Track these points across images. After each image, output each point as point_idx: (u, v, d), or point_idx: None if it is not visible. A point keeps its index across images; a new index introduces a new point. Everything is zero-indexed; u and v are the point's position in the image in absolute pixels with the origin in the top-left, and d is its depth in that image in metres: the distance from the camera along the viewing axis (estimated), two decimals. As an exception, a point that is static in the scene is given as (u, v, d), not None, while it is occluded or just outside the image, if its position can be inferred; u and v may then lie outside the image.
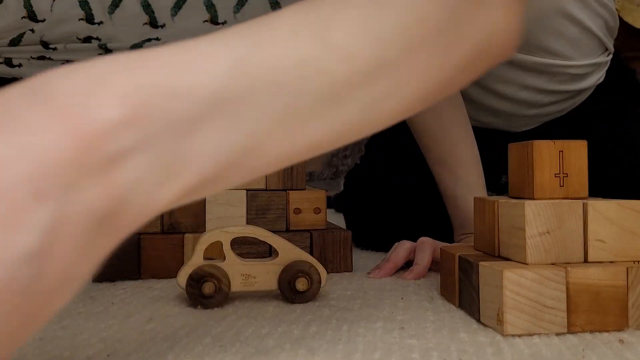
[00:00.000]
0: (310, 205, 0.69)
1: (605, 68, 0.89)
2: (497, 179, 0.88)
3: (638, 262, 0.44)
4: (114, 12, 1.72)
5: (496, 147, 0.72)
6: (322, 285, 0.53)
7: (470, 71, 0.33)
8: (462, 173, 0.70)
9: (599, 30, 0.83)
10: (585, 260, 0.44)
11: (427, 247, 0.66)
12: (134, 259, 0.63)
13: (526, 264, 0.43)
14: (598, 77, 0.88)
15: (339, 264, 0.69)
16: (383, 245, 0.78)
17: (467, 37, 0.31)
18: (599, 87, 0.89)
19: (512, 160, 0.49)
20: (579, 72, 0.84)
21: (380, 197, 0.88)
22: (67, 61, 1.69)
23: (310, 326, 0.45)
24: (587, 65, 0.84)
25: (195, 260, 0.51)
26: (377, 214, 0.87)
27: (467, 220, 0.69)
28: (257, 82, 0.25)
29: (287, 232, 0.68)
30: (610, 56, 0.89)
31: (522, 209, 0.43)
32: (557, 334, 0.42)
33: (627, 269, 0.42)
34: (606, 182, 0.77)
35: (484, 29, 0.32)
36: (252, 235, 0.53)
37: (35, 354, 0.38)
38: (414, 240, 0.69)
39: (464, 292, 0.49)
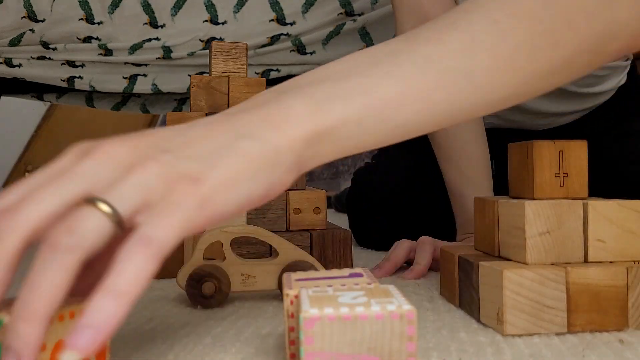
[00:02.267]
0: (310, 205, 0.69)
1: (624, 72, 0.90)
2: None
3: (638, 262, 0.44)
4: (114, 12, 1.72)
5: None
6: (322, 285, 0.53)
7: (598, 53, 0.37)
8: (471, 172, 0.70)
9: None
10: (585, 260, 0.44)
11: (427, 247, 0.66)
12: (134, 259, 0.63)
13: (526, 264, 0.43)
14: (617, 80, 0.89)
15: (339, 264, 0.69)
16: (386, 243, 0.78)
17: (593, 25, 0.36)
18: (620, 92, 0.90)
19: (512, 160, 0.48)
20: (600, 74, 0.86)
21: (389, 196, 0.88)
22: (67, 61, 1.69)
23: (310, 326, 0.45)
24: (605, 68, 0.86)
25: (195, 261, 0.51)
26: (383, 213, 0.88)
27: (472, 219, 0.69)
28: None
29: (287, 232, 0.68)
30: (629, 61, 0.91)
31: (522, 208, 0.43)
32: (557, 334, 0.42)
33: (627, 269, 0.42)
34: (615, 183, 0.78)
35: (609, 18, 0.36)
36: (252, 235, 0.53)
37: (35, 354, 0.38)
38: (414, 239, 0.69)
39: (464, 292, 0.49)
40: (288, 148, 0.30)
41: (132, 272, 0.25)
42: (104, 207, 0.26)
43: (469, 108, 0.35)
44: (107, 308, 0.24)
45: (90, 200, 0.26)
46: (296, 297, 0.32)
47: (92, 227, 0.25)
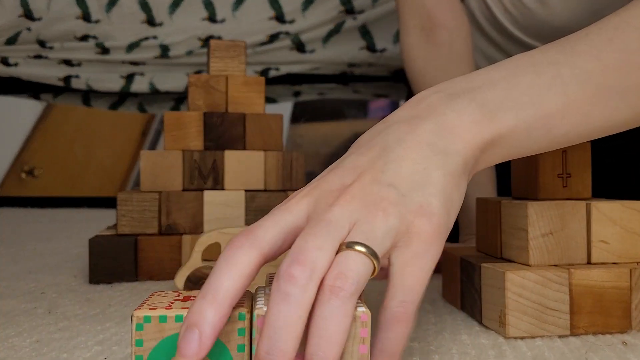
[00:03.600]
0: (309, 206, 0.69)
1: None
2: None
3: (641, 263, 0.44)
4: (111, 10, 1.72)
5: None
6: (321, 287, 0.53)
7: None
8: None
9: None
10: (589, 262, 0.43)
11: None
12: (131, 261, 0.63)
13: (529, 265, 0.43)
14: None
15: (339, 265, 0.68)
16: None
17: None
18: None
19: (515, 160, 0.48)
20: None
21: None
22: (64, 60, 1.68)
23: (310, 328, 0.44)
24: None
25: (193, 262, 0.50)
26: None
27: (474, 220, 0.68)
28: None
29: (286, 232, 0.68)
30: None
31: (525, 209, 0.43)
32: (560, 336, 0.41)
33: (630, 270, 0.42)
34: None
35: None
36: (251, 236, 0.52)
37: (32, 356, 0.38)
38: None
39: (466, 294, 0.48)
40: (471, 156, 0.33)
41: (398, 339, 0.29)
42: (363, 249, 0.28)
43: (622, 123, 0.38)
44: None
45: (350, 245, 0.28)
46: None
47: (363, 270, 0.28)
